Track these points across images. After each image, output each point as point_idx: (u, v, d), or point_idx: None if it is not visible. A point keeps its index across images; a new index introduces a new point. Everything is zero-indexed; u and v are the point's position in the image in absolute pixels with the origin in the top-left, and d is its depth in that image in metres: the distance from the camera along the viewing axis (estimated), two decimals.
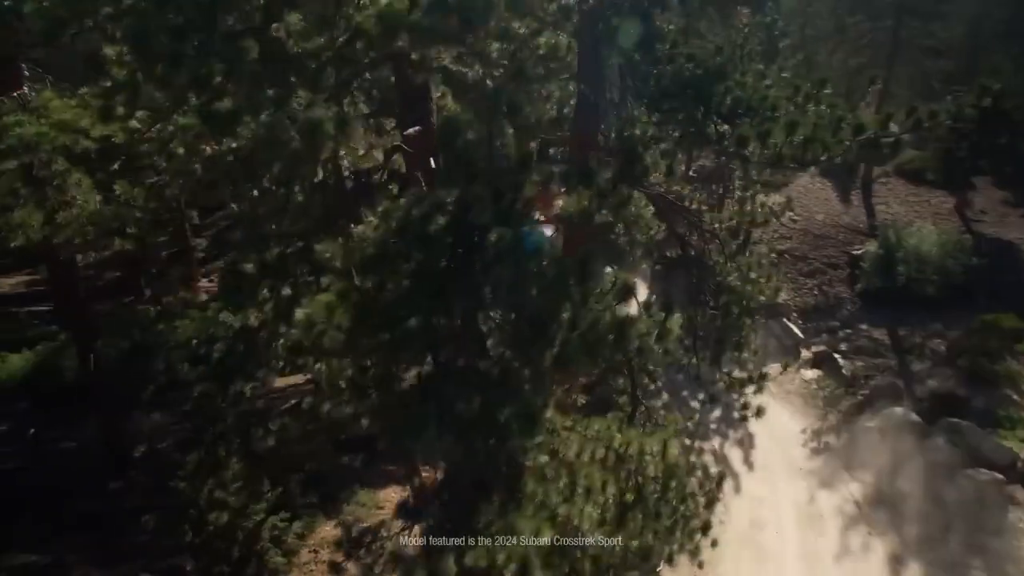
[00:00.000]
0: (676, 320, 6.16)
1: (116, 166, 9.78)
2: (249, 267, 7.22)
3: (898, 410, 16.55)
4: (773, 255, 25.55)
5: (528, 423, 5.19)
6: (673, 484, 8.91)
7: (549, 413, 7.33)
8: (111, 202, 10.99)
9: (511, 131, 7.45)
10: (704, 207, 10.48)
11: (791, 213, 28.28)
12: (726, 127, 6.80)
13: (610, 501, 6.61)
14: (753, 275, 9.73)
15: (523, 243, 5.90)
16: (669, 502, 8.80)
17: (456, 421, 5.29)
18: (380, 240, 5.94)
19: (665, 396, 19.21)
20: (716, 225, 9.61)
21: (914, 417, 16.19)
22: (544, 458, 6.62)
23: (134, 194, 11.01)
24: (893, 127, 5.84)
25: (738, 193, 28.80)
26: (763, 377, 10.69)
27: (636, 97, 7.19)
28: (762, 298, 9.75)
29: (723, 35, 29.53)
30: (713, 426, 18.28)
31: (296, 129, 5.14)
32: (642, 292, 22.63)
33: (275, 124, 5.18)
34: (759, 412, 10.34)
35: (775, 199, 29.45)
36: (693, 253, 9.74)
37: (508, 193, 6.52)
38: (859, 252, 24.38)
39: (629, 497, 7.68)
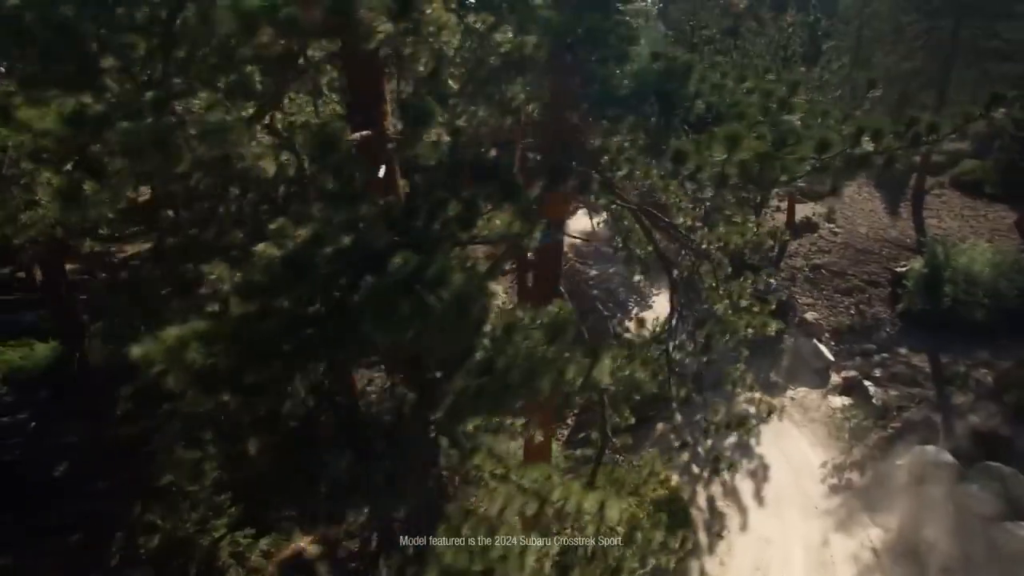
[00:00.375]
0: (605, 365, 5.24)
1: (70, 166, 9.36)
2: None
3: (930, 448, 15.02)
4: (807, 270, 24.04)
5: (391, 490, 4.39)
6: (638, 535, 8.00)
7: (478, 459, 6.54)
8: (79, 202, 10.65)
9: (447, 140, 6.68)
10: (699, 223, 9.38)
11: (831, 225, 26.65)
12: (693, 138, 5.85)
13: (531, 565, 5.73)
14: (744, 303, 8.64)
15: (427, 270, 5.10)
16: (635, 555, 7.90)
17: (325, 481, 4.55)
18: (266, 265, 5.24)
19: (678, 418, 18.11)
20: (705, 244, 8.55)
21: (948, 458, 14.64)
22: (462, 513, 5.81)
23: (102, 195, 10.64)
24: (867, 143, 4.75)
25: (767, 208, 27.26)
26: (743, 423, 9.57)
27: (584, 100, 6.29)
28: (750, 331, 8.61)
29: (770, 35, 28.00)
30: (727, 453, 17.06)
31: (147, 134, 4.49)
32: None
33: (130, 130, 4.53)
34: (731, 467, 9.24)
35: (817, 209, 27.94)
36: (677, 275, 8.72)
37: (423, 211, 5.74)
38: (903, 269, 22.60)
39: (571, 557, 6.81)
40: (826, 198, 28.18)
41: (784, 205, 26.03)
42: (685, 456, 16.74)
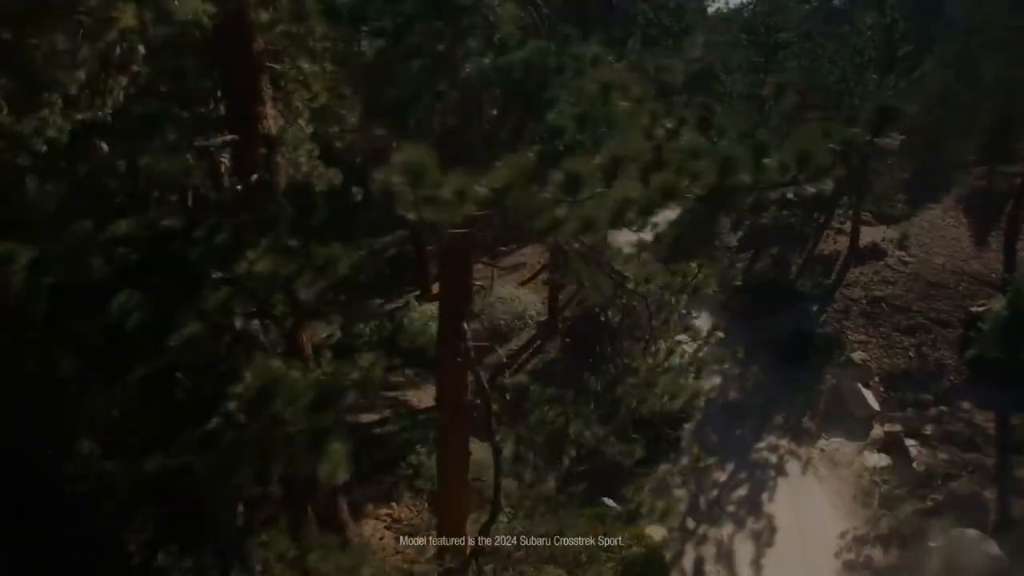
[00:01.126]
0: (337, 455, 3.98)
1: None
2: None
3: (973, 533, 12.53)
4: (865, 303, 21.32)
5: None
6: None
7: (270, 535, 5.44)
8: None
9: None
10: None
11: (902, 253, 23.57)
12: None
13: None
14: (678, 360, 7.05)
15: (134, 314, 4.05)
16: None
17: None
18: None
19: (684, 460, 16.13)
20: (635, 285, 6.96)
21: (994, 548, 12.14)
22: None
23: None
24: (629, 183, 3.19)
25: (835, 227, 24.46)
26: (640, 511, 7.91)
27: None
28: (665, 399, 6.87)
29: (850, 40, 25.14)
30: (731, 508, 15.10)
31: None
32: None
33: None
34: None
35: (887, 233, 24.79)
36: (608, 320, 7.25)
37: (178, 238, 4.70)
38: (980, 309, 19.53)
39: None
40: (901, 221, 25.02)
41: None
42: (682, 506, 14.93)
